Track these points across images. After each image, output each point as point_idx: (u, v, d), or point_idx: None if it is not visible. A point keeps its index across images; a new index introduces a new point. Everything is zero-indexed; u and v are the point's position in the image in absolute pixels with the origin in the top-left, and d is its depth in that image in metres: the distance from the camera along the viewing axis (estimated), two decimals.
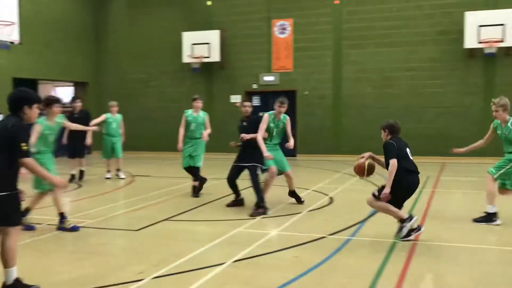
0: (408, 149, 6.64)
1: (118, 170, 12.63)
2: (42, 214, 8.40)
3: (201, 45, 17.99)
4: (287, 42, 17.85)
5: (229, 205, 8.92)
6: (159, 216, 8.12)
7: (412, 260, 5.75)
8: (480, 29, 15.32)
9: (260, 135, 8.39)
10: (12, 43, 11.76)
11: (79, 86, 20.28)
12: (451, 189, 10.96)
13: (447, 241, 6.61)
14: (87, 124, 11.14)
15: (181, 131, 10.28)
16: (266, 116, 8.65)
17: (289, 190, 9.21)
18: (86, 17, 19.80)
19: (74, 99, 12.47)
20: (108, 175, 12.54)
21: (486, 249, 6.30)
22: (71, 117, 11.84)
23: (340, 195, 9.94)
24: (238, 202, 8.97)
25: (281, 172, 8.97)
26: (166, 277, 5.24)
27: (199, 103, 10.50)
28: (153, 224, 7.59)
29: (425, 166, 14.25)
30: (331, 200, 9.42)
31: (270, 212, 8.32)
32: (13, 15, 11.80)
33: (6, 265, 4.70)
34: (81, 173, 12.21)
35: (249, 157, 8.54)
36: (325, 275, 5.30)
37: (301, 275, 5.27)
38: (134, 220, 7.91)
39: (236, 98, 18.23)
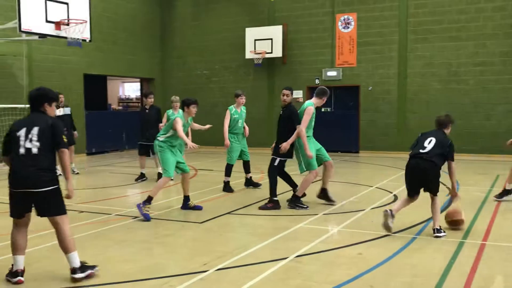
0: (428, 138, 6.84)
1: None
2: (109, 205, 8.76)
3: (263, 40, 18.08)
4: (351, 36, 17.60)
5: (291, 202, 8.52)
6: (222, 209, 8.26)
7: (481, 261, 5.56)
8: None
9: (303, 127, 8.17)
10: (84, 40, 12.21)
11: (145, 82, 20.91)
12: None
13: None
14: (156, 120, 11.50)
15: (226, 127, 10.19)
16: (310, 108, 8.37)
17: (322, 187, 8.67)
18: (152, 15, 20.35)
19: (146, 95, 12.29)
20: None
21: None
22: (143, 112, 11.92)
23: (404, 193, 9.70)
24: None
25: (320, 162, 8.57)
26: (229, 269, 5.34)
27: (243, 99, 10.49)
28: (216, 217, 7.73)
29: (495, 164, 13.71)
30: (396, 198, 9.23)
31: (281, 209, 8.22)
32: (85, 13, 12.25)
33: (68, 251, 4.99)
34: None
35: (275, 149, 8.49)
36: (390, 274, 5.22)
37: (365, 272, 5.21)
38: (198, 213, 8.08)
39: (298, 94, 18.19)
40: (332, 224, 7.41)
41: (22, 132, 4.90)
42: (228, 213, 8.05)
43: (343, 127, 17.88)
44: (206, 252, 5.94)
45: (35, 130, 4.89)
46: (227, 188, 10.05)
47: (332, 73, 17.93)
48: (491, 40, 15.87)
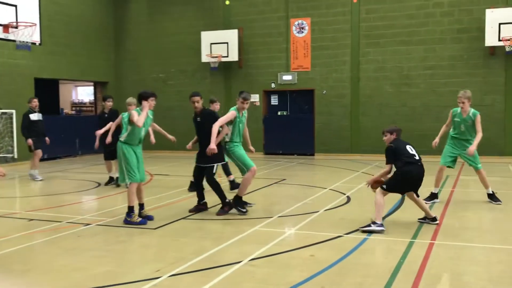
0: (408, 146, 7.21)
1: None
2: (61, 212, 8.56)
3: (219, 44, 18.09)
4: (306, 41, 17.83)
5: (191, 210, 8.36)
6: (176, 214, 8.20)
7: (429, 260, 5.72)
8: (501, 26, 15.13)
9: (216, 126, 7.98)
10: (33, 43, 11.91)
11: (99, 85, 20.54)
12: (470, 188, 10.83)
13: (465, 241, 6.56)
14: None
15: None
16: (232, 112, 8.35)
17: (237, 195, 8.38)
18: (106, 17, 20.04)
19: (105, 98, 12.14)
20: None
21: (504, 249, 6.23)
22: (102, 116, 11.70)
23: (357, 194, 9.91)
24: (201, 206, 8.46)
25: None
26: (183, 275, 5.30)
27: (217, 105, 10.83)
28: (170, 222, 7.66)
29: None
30: (348, 199, 9.39)
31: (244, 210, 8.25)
32: (35, 16, 11.97)
33: None
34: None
35: (205, 157, 8.08)
36: (342, 274, 5.30)
37: (317, 274, 5.27)
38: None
39: (254, 98, 18.28)
40: (287, 227, 7.46)
41: None
42: (183, 218, 7.99)
43: (298, 130, 18.09)
44: (159, 258, 5.88)
45: None
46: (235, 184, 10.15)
47: (287, 77, 18.10)
48: (440, 45, 16.40)
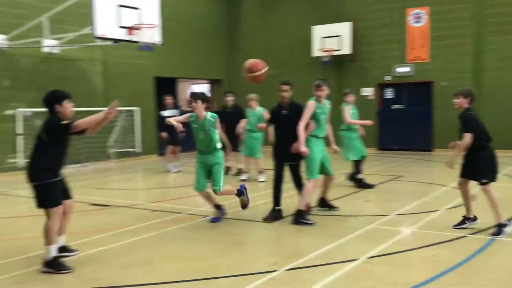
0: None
1: (259, 172, 11.31)
2: (181, 204, 8.93)
3: (331, 38, 17.85)
4: (423, 31, 17.02)
5: (266, 219, 7.43)
6: (291, 209, 8.20)
7: None
8: None
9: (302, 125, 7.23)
10: (154, 44, 12.54)
11: (213, 83, 21.22)
12: None
13: None
14: (240, 119, 11.53)
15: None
16: (310, 103, 7.54)
17: (320, 197, 8.05)
18: (220, 17, 20.61)
19: (226, 94, 12.50)
20: (244, 177, 11.38)
21: None
22: (224, 112, 11.98)
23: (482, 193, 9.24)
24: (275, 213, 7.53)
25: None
26: (299, 269, 5.27)
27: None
28: (287, 216, 7.67)
29: None
30: (473, 198, 8.80)
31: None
32: (155, 18, 12.58)
33: (47, 243, 5.36)
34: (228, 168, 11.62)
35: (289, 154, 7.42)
36: (466, 276, 4.97)
37: (440, 275, 4.99)
38: (267, 213, 8.06)
39: (368, 91, 17.84)
40: (405, 225, 7.17)
41: None
42: None
43: (415, 125, 17.34)
44: (276, 252, 5.91)
45: None
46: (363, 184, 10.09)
47: (403, 69, 17.42)
48: None
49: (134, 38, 12.06)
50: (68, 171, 13.41)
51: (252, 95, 11.34)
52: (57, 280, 5.12)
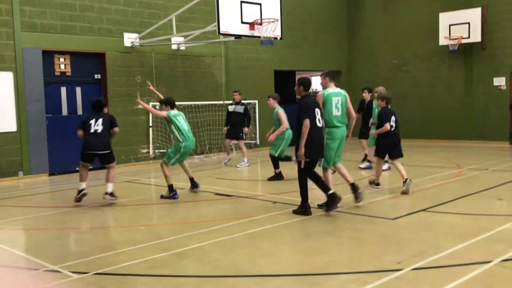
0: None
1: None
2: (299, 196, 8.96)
3: (459, 25, 16.85)
4: None
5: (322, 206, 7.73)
6: (416, 206, 7.90)
7: None
8: None
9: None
10: (275, 38, 12.69)
11: None
12: None
13: None
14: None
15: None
16: (320, 95, 7.94)
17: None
18: (339, 8, 20.34)
19: (365, 89, 12.76)
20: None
21: None
22: (362, 104, 12.56)
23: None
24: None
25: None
26: (425, 269, 5.05)
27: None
28: (410, 213, 7.41)
29: None
30: None
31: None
32: (276, 12, 12.71)
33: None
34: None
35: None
36: None
37: None
38: (389, 208, 7.86)
39: (500, 81, 16.60)
40: None
41: (92, 121, 8.66)
42: (423, 210, 7.65)
43: None
44: (399, 250, 5.71)
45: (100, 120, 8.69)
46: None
47: None
48: None
49: (255, 33, 12.30)
50: (194, 162, 14.14)
51: (380, 88, 11.56)
52: (184, 268, 5.39)
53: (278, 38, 12.86)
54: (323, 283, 4.82)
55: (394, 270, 5.03)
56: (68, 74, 13.48)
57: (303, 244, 6.11)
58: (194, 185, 9.60)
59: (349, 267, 5.19)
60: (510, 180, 9.95)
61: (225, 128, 13.83)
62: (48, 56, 12.98)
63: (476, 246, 5.82)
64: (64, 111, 13.53)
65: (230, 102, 14.03)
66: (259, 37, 12.39)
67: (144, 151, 14.54)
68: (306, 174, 7.43)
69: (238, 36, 12.34)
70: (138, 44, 14.13)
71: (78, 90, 13.76)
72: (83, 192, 8.61)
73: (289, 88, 21.57)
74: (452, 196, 8.54)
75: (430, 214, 7.46)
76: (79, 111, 13.75)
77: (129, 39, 14.09)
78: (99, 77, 14.02)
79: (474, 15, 16.66)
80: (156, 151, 14.71)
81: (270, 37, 12.44)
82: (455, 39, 16.90)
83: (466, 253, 5.57)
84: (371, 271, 5.06)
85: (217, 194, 9.41)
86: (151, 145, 14.56)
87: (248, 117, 13.72)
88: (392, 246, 5.91)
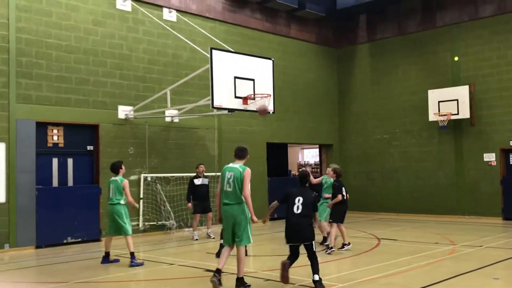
0: None
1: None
2: (297, 274, 8.74)
3: (448, 102, 17.24)
4: None
5: None
6: (411, 284, 7.71)
7: None
8: None
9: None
10: (268, 112, 12.89)
11: (324, 147, 21.21)
12: None
13: None
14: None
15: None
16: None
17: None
18: (330, 83, 20.84)
19: None
20: None
21: None
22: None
23: None
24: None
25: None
26: None
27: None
28: None
29: None
30: None
31: None
32: (269, 87, 12.99)
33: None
34: None
35: None
36: None
37: None
38: (384, 287, 7.65)
39: (490, 157, 16.80)
40: None
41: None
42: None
43: None
44: None
45: None
46: None
47: None
48: None
49: (248, 107, 12.49)
50: (184, 235, 13.87)
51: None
52: None
53: (271, 112, 13.05)
54: None
55: None
56: (61, 145, 13.49)
57: None
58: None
59: None
60: (506, 258, 9.82)
61: (190, 203, 13.76)
62: (42, 127, 13.03)
63: None
64: (55, 183, 13.41)
65: (194, 174, 13.99)
66: (252, 111, 12.58)
67: (134, 223, 14.31)
68: None
69: (231, 110, 12.52)
70: (132, 116, 14.27)
71: (70, 161, 13.71)
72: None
73: (281, 160, 21.82)
74: (448, 275, 8.36)
75: None
76: (70, 183, 13.64)
77: (123, 111, 14.24)
78: (92, 149, 14.02)
79: (462, 92, 17.09)
80: (146, 223, 14.48)
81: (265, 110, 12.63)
82: (444, 115, 17.25)
83: None
84: None
85: (207, 270, 9.16)
86: (141, 217, 14.36)
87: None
88: None
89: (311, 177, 10.49)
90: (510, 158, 16.93)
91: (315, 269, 7.41)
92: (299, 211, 7.53)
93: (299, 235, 7.49)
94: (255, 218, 7.60)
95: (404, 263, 9.51)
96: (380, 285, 7.89)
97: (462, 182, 17.47)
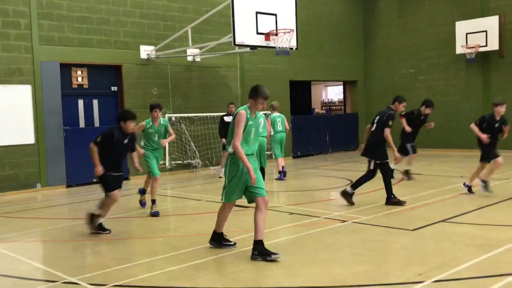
0: None
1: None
2: (316, 207, 8.88)
3: (476, 33, 16.72)
4: None
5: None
6: (435, 216, 7.77)
7: None
8: None
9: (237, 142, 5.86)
10: (291, 49, 12.69)
11: (348, 84, 20.96)
12: None
13: None
14: None
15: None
16: (241, 113, 5.98)
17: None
18: (355, 18, 20.31)
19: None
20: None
21: None
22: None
23: None
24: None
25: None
26: (447, 281, 4.95)
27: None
28: (429, 224, 7.29)
29: None
30: None
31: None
32: (292, 23, 12.72)
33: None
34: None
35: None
36: None
37: None
38: (409, 219, 7.74)
39: None
40: None
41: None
42: (443, 221, 7.53)
43: None
44: (420, 261, 5.61)
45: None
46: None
47: None
48: None
49: (271, 43, 12.30)
50: (210, 173, 14.09)
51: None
52: (202, 280, 5.34)
53: (294, 48, 12.85)
54: None
55: (415, 282, 4.93)
56: (86, 86, 13.61)
57: (321, 256, 6.02)
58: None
59: (368, 280, 5.10)
60: None
61: (223, 139, 13.64)
62: (66, 69, 13.13)
63: (497, 257, 5.69)
64: (82, 124, 13.64)
65: (225, 113, 13.81)
66: (274, 47, 12.40)
67: (161, 162, 14.55)
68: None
69: (253, 47, 12.35)
70: (154, 56, 14.23)
71: (95, 102, 13.87)
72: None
73: (305, 98, 21.68)
74: (472, 207, 8.40)
75: (450, 225, 7.33)
76: (96, 123, 13.85)
77: (145, 51, 14.20)
78: (116, 89, 14.12)
79: (491, 23, 16.51)
80: (173, 162, 14.73)
81: (286, 48, 12.44)
82: (472, 47, 16.76)
83: (487, 265, 5.45)
84: (392, 283, 4.97)
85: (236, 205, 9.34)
86: (167, 156, 14.59)
87: None
88: (413, 258, 5.81)
89: None
90: None
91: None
92: None
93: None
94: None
95: (428, 196, 9.56)
96: (404, 217, 7.96)
97: None
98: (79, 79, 13.48)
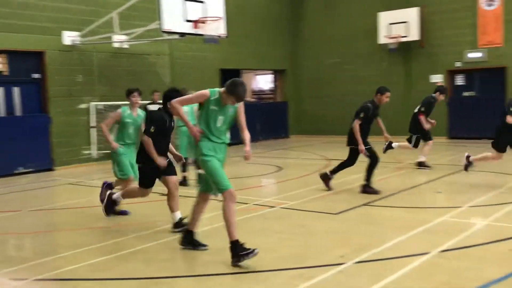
0: None
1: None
2: (246, 194, 9.00)
3: (398, 24, 17.41)
4: (496, 14, 16.23)
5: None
6: (358, 200, 8.10)
7: None
8: None
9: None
10: (219, 37, 12.68)
11: (277, 73, 21.22)
12: None
13: None
14: None
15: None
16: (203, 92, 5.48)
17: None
18: (283, 7, 20.54)
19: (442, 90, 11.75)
20: None
21: None
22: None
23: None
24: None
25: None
26: (368, 262, 5.20)
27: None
28: (352, 208, 7.59)
29: None
30: None
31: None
32: (220, 11, 12.71)
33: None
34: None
35: None
36: None
37: None
38: (333, 204, 8.01)
39: (437, 78, 17.25)
40: (479, 218, 6.90)
41: None
42: (365, 204, 7.87)
43: (488, 113, 16.57)
44: (342, 244, 5.85)
45: None
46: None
47: (475, 55, 16.71)
48: None
49: (199, 31, 12.24)
50: None
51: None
52: (129, 270, 5.30)
53: (223, 37, 12.85)
54: (269, 279, 4.87)
55: (337, 264, 5.14)
56: (5, 73, 12.96)
57: (251, 242, 6.11)
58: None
59: (295, 263, 5.26)
60: (448, 174, 10.38)
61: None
62: None
63: (416, 238, 6.04)
64: (2, 112, 13.01)
65: (149, 102, 13.53)
66: (203, 35, 12.34)
67: (87, 152, 14.18)
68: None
69: (182, 34, 12.24)
70: (79, 42, 13.76)
71: (16, 90, 13.26)
72: None
73: None
74: (394, 190, 8.81)
75: (373, 208, 7.68)
76: (17, 112, 13.25)
77: (69, 37, 13.69)
78: (39, 77, 13.55)
79: (412, 14, 17.24)
80: (99, 151, 14.37)
81: (214, 36, 12.43)
82: (394, 37, 17.44)
83: (407, 245, 5.77)
84: (315, 266, 5.15)
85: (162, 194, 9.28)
86: (95, 145, 14.22)
87: None
88: (336, 241, 6.05)
89: None
90: (455, 79, 17.47)
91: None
92: None
93: None
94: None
95: (352, 180, 9.92)
96: (329, 201, 8.23)
97: (410, 103, 17.92)
98: None
